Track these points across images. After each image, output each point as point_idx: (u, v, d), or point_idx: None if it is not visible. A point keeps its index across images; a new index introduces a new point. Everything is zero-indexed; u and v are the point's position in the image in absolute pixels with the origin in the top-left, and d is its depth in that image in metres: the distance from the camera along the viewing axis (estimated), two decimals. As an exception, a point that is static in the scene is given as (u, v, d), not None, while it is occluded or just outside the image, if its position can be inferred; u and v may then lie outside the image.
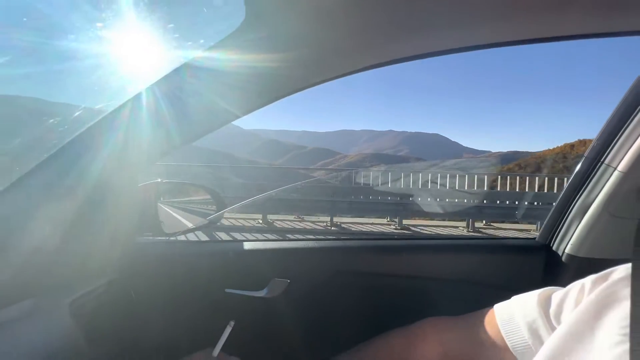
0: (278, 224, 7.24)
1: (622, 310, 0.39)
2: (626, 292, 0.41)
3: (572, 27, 0.56)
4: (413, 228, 7.25)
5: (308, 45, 0.56)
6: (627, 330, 0.37)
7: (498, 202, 7.19)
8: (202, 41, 0.58)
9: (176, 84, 0.60)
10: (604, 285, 0.44)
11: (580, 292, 0.47)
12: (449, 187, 7.84)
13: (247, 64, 0.58)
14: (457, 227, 7.37)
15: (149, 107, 0.61)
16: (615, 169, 0.71)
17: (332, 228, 7.06)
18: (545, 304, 0.51)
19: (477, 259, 0.88)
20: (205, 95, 0.62)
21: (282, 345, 0.85)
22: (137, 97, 0.60)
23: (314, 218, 7.63)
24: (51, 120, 0.62)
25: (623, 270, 0.44)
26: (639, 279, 0.41)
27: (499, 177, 8.36)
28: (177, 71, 0.59)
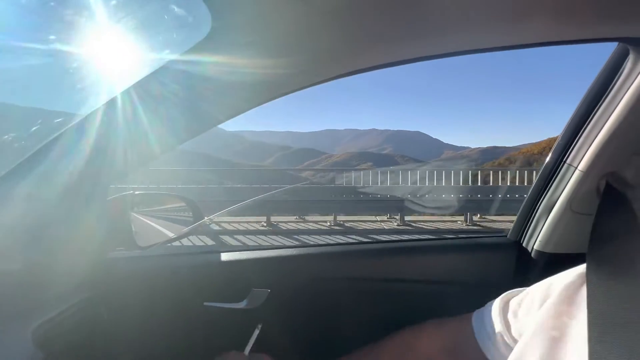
0: (282, 226, 7.27)
1: (581, 310, 0.41)
2: (583, 291, 0.43)
3: (540, 35, 0.59)
4: (414, 224, 7.46)
5: (291, 49, 0.56)
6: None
7: (491, 195, 7.39)
8: (179, 44, 0.56)
9: (153, 89, 0.58)
10: (562, 285, 0.46)
11: (540, 293, 0.49)
12: (444, 184, 8.08)
13: (228, 67, 0.57)
14: (455, 221, 7.67)
15: (124, 114, 0.58)
16: (576, 168, 0.74)
17: (335, 227, 7.17)
18: (504, 309, 0.54)
19: (452, 259, 0.90)
20: (185, 101, 0.60)
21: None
22: (111, 102, 0.58)
23: (315, 218, 7.75)
24: (7, 136, 0.58)
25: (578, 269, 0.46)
26: (593, 271, 0.43)
27: (493, 171, 8.59)
28: (153, 75, 0.57)
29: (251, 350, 0.70)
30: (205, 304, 0.79)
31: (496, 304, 0.56)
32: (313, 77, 0.63)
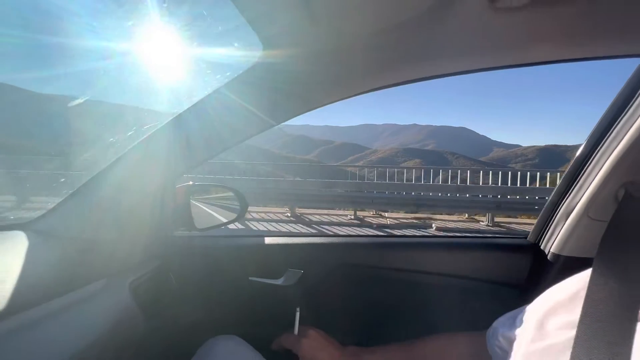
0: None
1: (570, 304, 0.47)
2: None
3: (569, 52, 0.63)
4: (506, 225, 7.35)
5: (331, 65, 0.67)
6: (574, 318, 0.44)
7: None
8: (240, 65, 0.69)
9: (218, 101, 0.73)
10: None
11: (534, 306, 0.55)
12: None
13: (279, 81, 0.70)
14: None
15: (195, 119, 0.74)
16: (596, 175, 0.76)
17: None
18: (504, 326, 0.60)
19: (473, 256, 0.96)
20: (244, 110, 0.74)
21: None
22: (177, 117, 0.75)
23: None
24: (111, 140, 0.78)
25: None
26: (598, 268, 0.47)
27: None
28: (215, 92, 0.72)
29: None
30: (250, 278, 0.95)
31: (499, 322, 0.63)
32: (351, 90, 0.73)
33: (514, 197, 7.12)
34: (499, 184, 7.92)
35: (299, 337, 0.80)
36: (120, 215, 0.75)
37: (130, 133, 0.72)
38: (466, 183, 8.53)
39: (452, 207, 7.26)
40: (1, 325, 0.47)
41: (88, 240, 0.70)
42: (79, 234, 0.70)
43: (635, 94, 0.70)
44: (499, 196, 7.10)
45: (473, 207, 7.29)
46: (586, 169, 0.80)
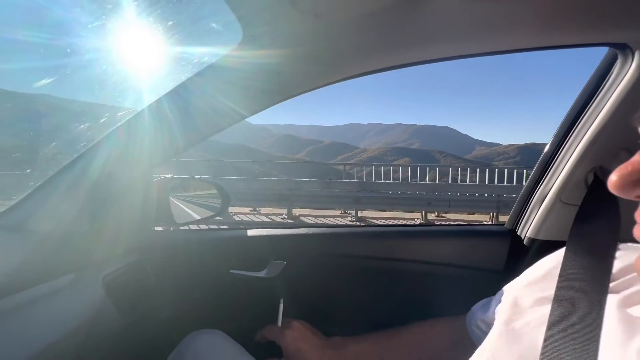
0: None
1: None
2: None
3: (538, 40, 0.65)
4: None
5: (310, 51, 0.65)
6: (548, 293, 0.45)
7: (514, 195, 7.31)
8: (214, 52, 0.67)
9: (187, 94, 0.71)
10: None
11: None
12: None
13: (254, 67, 0.67)
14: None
15: (163, 113, 0.71)
16: (567, 162, 0.79)
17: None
18: (482, 309, 0.62)
19: (454, 244, 0.97)
20: (214, 99, 0.72)
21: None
22: (150, 106, 0.72)
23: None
24: (82, 126, 0.75)
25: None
26: (571, 247, 0.49)
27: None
28: (189, 81, 0.69)
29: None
30: (231, 271, 0.93)
31: (477, 306, 0.64)
32: (331, 77, 0.72)
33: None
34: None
35: (282, 329, 0.79)
36: (91, 207, 0.72)
37: (102, 120, 0.69)
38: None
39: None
40: None
41: (55, 233, 0.67)
42: (45, 228, 0.67)
43: (602, 82, 0.73)
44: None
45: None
46: (558, 155, 0.82)
